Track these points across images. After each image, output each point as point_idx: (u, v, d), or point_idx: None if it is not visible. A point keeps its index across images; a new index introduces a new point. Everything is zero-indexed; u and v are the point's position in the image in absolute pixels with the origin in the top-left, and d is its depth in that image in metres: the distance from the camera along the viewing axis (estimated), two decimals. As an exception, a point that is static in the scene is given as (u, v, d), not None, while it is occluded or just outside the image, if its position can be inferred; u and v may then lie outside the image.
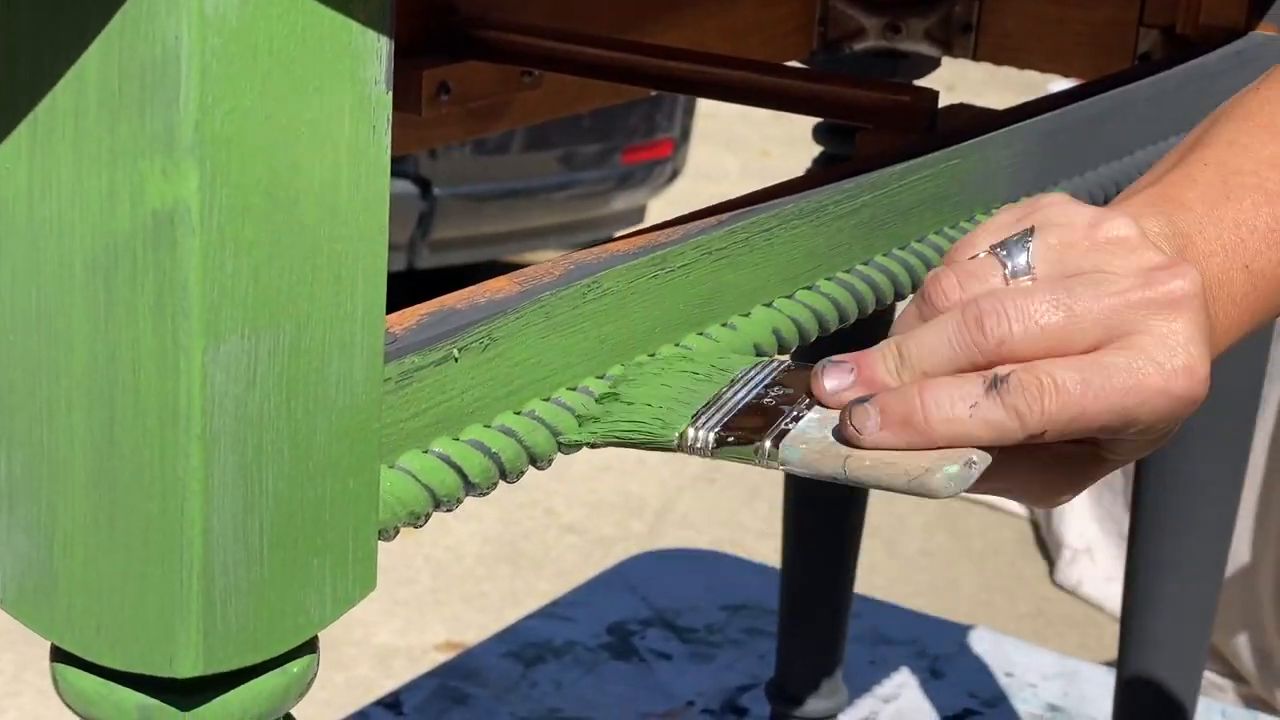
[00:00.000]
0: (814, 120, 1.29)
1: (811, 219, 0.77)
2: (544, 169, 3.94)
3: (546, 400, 0.64)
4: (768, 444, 0.61)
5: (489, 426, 0.62)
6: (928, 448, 0.59)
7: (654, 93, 1.32)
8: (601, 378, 0.67)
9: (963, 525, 3.28)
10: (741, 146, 5.85)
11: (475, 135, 1.15)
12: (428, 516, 0.59)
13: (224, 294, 0.49)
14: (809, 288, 0.78)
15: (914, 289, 0.85)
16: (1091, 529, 3.02)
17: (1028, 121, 0.92)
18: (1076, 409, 0.59)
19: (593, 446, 0.64)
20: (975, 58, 1.26)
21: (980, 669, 1.84)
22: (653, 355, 0.69)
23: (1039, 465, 0.64)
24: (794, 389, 0.64)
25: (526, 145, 3.87)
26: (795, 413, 0.62)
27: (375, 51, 0.51)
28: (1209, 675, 2.57)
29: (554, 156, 3.94)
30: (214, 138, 0.47)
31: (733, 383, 0.65)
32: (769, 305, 0.76)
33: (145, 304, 0.49)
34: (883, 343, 0.63)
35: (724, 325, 0.73)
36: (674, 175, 4.23)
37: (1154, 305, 0.60)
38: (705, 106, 4.97)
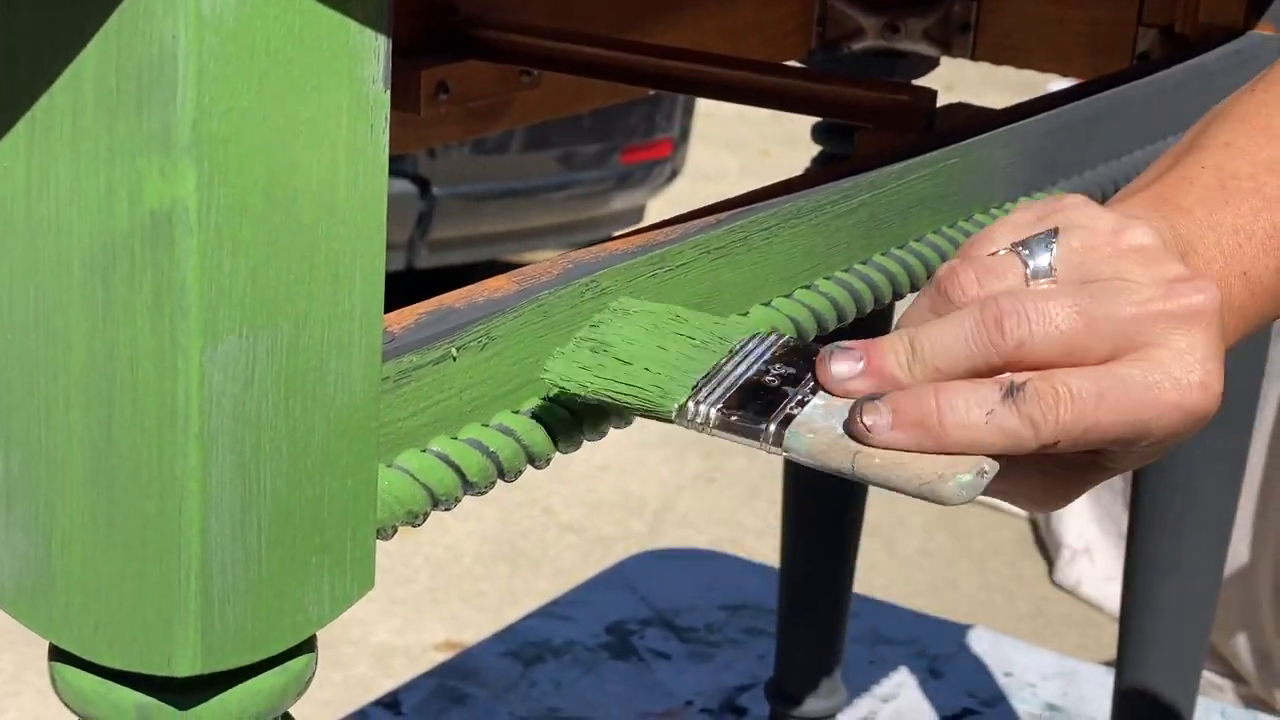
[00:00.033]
0: (813, 120, 1.29)
1: (810, 218, 0.77)
2: (543, 169, 3.94)
3: (544, 399, 0.64)
4: (773, 428, 0.60)
5: (487, 425, 0.62)
6: (939, 452, 0.58)
7: (653, 92, 1.32)
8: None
9: (962, 525, 3.28)
10: (740, 146, 5.85)
11: (474, 135, 1.15)
12: (426, 515, 0.59)
13: (222, 293, 0.49)
14: (808, 287, 0.78)
15: (913, 288, 0.85)
16: (1091, 529, 3.02)
17: (1026, 121, 0.92)
18: (1091, 420, 0.58)
19: (581, 399, 0.62)
20: (974, 57, 1.26)
21: (979, 669, 1.84)
22: (638, 298, 0.67)
23: (1039, 471, 0.63)
24: (796, 369, 0.62)
25: (525, 145, 3.87)
26: (800, 396, 0.61)
27: (373, 50, 0.51)
28: (1208, 675, 2.57)
29: (553, 156, 3.94)
30: (211, 137, 0.47)
31: (731, 354, 0.63)
32: (767, 304, 0.76)
33: (143, 303, 0.49)
34: (893, 333, 0.62)
35: (722, 324, 0.73)
36: (673, 175, 4.23)
37: (1173, 319, 0.59)
38: (704, 106, 4.97)
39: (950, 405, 0.58)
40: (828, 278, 0.79)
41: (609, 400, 0.62)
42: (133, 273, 0.49)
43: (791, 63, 1.26)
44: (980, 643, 1.89)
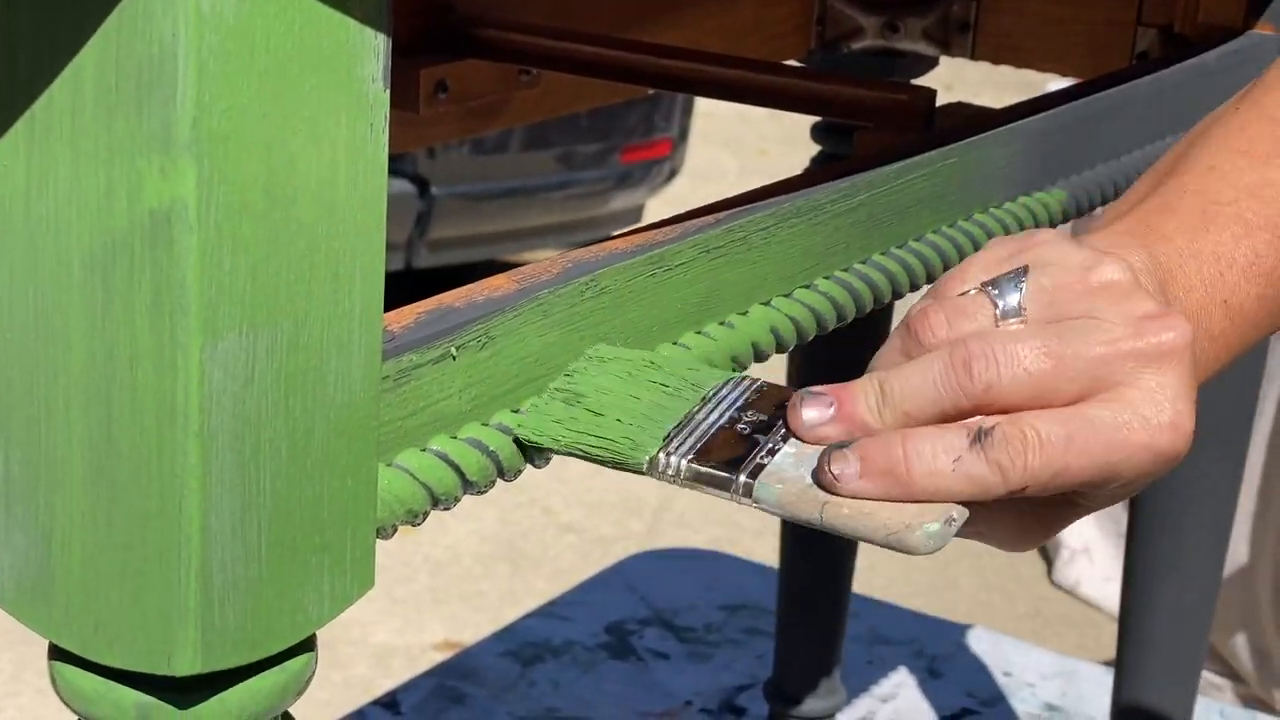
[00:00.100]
0: (812, 119, 1.29)
1: (809, 218, 0.77)
2: (542, 168, 3.94)
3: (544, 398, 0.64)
4: (743, 478, 0.59)
5: (487, 425, 0.62)
6: (908, 500, 0.58)
7: (652, 92, 1.32)
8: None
9: (961, 525, 3.28)
10: (740, 146, 5.85)
11: (473, 134, 1.15)
12: (426, 515, 0.59)
13: (222, 291, 0.49)
14: (807, 286, 0.78)
15: (912, 288, 0.85)
16: (1090, 529, 3.03)
17: (1025, 120, 0.92)
18: (1060, 465, 0.58)
19: (555, 453, 0.62)
20: (973, 57, 1.26)
21: (978, 669, 1.84)
22: (611, 344, 0.67)
23: (1013, 511, 0.63)
24: (768, 415, 0.62)
25: (525, 144, 3.87)
26: (771, 444, 0.60)
27: (373, 49, 0.51)
28: (1207, 675, 2.57)
29: (552, 156, 3.94)
30: (211, 135, 0.47)
31: (704, 400, 0.63)
32: (767, 304, 0.76)
33: (143, 302, 0.49)
34: (864, 378, 0.61)
35: (722, 324, 0.73)
36: (672, 175, 4.23)
37: (1143, 357, 0.59)
38: (703, 106, 4.98)
39: (917, 453, 0.58)
40: (827, 277, 0.79)
41: (580, 454, 0.62)
42: (132, 271, 0.49)
43: (791, 62, 1.26)
44: (979, 643, 1.89)
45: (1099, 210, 0.99)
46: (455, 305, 0.62)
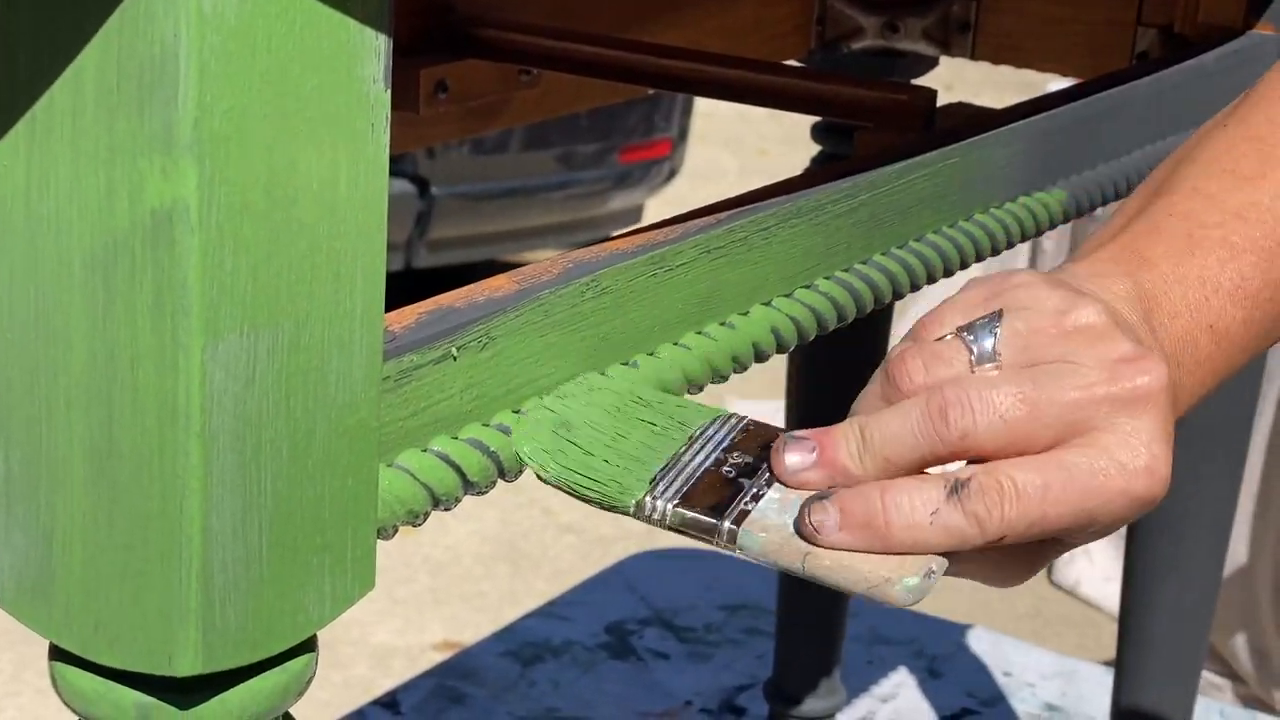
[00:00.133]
0: (812, 119, 1.29)
1: (810, 218, 0.77)
2: (542, 168, 3.94)
3: (545, 399, 0.64)
4: (727, 525, 0.60)
5: (488, 425, 0.62)
6: (886, 552, 0.58)
7: (652, 92, 1.32)
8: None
9: (961, 525, 3.28)
10: (739, 146, 5.85)
11: (473, 134, 1.15)
12: (426, 515, 0.59)
13: (223, 292, 0.49)
14: (808, 286, 0.78)
15: (913, 288, 0.85)
16: (1089, 529, 3.02)
17: (1025, 121, 0.92)
18: (1036, 514, 0.58)
19: (543, 480, 0.63)
20: (973, 57, 1.26)
21: (978, 669, 1.84)
22: (603, 374, 0.67)
23: (995, 554, 0.62)
24: (754, 456, 0.62)
25: (525, 144, 3.87)
26: (755, 489, 0.61)
27: (373, 49, 0.51)
28: (1207, 675, 2.57)
29: (552, 156, 3.94)
30: (212, 136, 0.47)
31: (690, 441, 0.63)
32: (767, 304, 0.76)
33: (144, 302, 0.49)
34: (846, 422, 0.61)
35: (723, 324, 0.73)
36: (672, 175, 4.23)
37: (1118, 402, 0.59)
38: (703, 106, 4.98)
39: (895, 505, 0.58)
40: (827, 277, 0.79)
41: (567, 490, 0.62)
42: (133, 272, 0.49)
43: (791, 62, 1.26)
44: (979, 643, 1.89)
45: (1099, 211, 0.99)
46: (456, 306, 0.62)
